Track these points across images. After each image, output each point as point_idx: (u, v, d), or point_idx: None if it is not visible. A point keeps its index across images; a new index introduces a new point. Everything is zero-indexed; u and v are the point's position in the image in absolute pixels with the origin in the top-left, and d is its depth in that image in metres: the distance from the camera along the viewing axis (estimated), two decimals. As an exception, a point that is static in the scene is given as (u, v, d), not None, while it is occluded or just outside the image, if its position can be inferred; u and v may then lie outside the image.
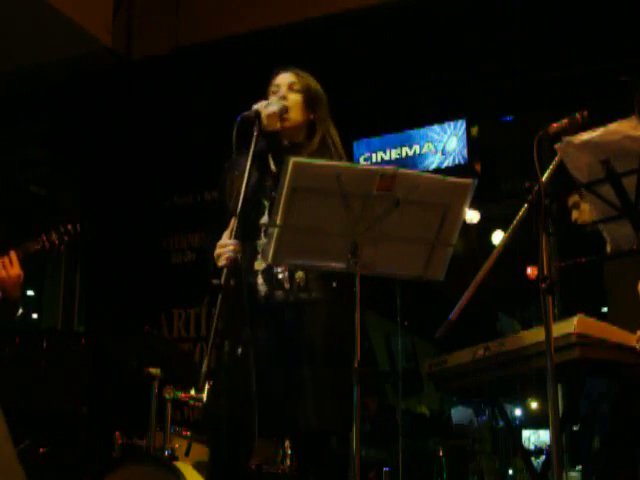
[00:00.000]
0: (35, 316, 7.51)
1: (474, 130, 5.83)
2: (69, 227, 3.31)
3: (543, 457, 5.72)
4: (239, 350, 2.69)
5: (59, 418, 5.14)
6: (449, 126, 5.82)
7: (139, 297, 6.39)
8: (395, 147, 6.04)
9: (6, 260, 3.23)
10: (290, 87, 2.87)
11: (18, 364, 5.11)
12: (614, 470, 3.28)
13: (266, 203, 2.80)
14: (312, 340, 2.68)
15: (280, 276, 2.74)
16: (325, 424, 2.62)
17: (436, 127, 5.87)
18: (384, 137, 6.11)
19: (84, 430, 5.29)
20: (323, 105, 2.93)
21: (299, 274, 2.73)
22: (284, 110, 2.80)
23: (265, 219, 2.78)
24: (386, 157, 6.03)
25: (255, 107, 2.74)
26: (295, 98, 2.85)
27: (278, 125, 2.78)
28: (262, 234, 2.73)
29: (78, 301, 7.07)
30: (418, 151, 5.94)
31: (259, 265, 2.77)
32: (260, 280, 2.76)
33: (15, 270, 3.22)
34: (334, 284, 2.73)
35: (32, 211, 6.85)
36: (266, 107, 2.75)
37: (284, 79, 2.90)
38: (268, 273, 2.75)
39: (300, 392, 2.63)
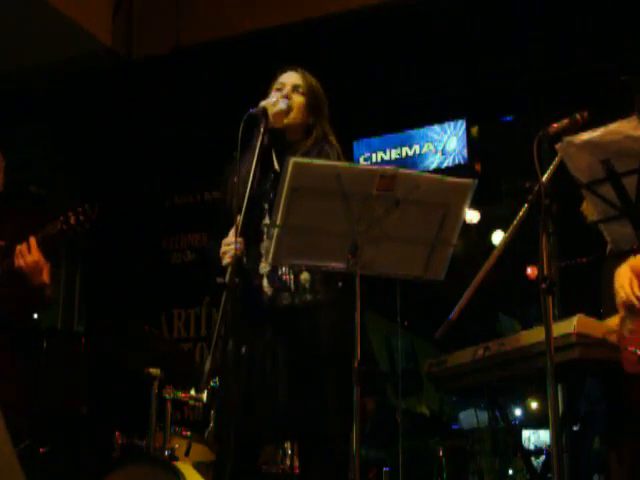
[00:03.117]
0: (35, 316, 7.49)
1: (474, 130, 5.82)
2: (86, 207, 3.28)
3: (543, 457, 5.72)
4: (243, 349, 2.68)
5: (59, 418, 5.14)
6: (449, 126, 5.81)
7: (139, 297, 6.39)
8: (395, 147, 6.03)
9: (24, 247, 3.15)
10: (294, 88, 2.85)
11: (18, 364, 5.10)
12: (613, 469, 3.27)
13: (266, 206, 2.79)
14: (316, 341, 2.68)
15: (285, 278, 2.73)
16: (327, 425, 2.61)
17: (436, 127, 5.86)
18: (384, 137, 6.10)
19: (84, 430, 5.29)
20: (323, 108, 2.93)
21: (304, 276, 2.71)
22: (288, 109, 2.79)
23: (266, 221, 2.77)
24: (386, 157, 6.02)
25: (262, 104, 2.74)
26: (299, 100, 2.84)
27: (284, 122, 2.78)
28: (265, 236, 2.72)
29: (78, 301, 7.06)
30: (418, 151, 5.93)
31: (264, 268, 2.75)
32: (265, 283, 2.74)
33: (33, 257, 3.13)
34: (340, 284, 2.72)
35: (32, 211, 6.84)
36: (274, 105, 2.75)
37: (290, 79, 2.88)
38: (273, 275, 2.73)
39: (302, 393, 2.63)
